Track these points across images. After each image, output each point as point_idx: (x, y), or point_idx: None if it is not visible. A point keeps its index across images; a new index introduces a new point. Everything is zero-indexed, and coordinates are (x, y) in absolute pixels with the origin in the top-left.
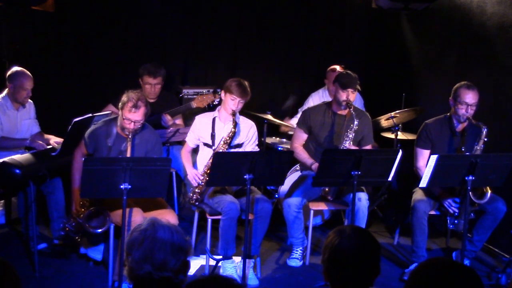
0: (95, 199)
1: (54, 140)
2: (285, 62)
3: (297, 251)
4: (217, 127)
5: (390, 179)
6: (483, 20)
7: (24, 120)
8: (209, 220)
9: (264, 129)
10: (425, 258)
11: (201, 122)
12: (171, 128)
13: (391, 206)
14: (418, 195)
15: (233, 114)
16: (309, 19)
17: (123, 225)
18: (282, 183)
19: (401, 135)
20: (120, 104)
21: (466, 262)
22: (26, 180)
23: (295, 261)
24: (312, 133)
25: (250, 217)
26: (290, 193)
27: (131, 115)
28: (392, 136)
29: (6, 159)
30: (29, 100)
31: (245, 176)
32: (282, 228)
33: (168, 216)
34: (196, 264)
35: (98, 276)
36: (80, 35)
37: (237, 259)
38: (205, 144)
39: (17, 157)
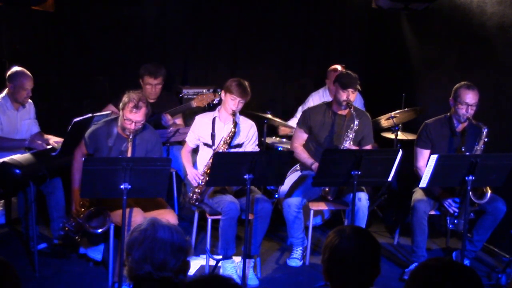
0: (95, 199)
1: (54, 140)
2: (285, 62)
3: (297, 251)
4: (217, 127)
5: (390, 179)
6: (483, 20)
7: (24, 120)
8: (209, 220)
9: (264, 129)
10: (425, 258)
11: (201, 122)
12: (171, 128)
13: (391, 206)
14: (418, 195)
15: (233, 114)
16: (309, 19)
17: (123, 225)
18: (282, 183)
19: (401, 135)
20: (121, 104)
21: (466, 262)
22: (26, 180)
23: (295, 261)
24: (312, 133)
25: (250, 217)
26: (290, 193)
27: (132, 116)
28: (392, 136)
29: (6, 159)
30: (29, 100)
31: (245, 176)
32: (282, 228)
33: (168, 216)
34: (196, 264)
35: (98, 276)
36: (80, 35)
37: (237, 259)
38: (205, 144)
39: (17, 157)
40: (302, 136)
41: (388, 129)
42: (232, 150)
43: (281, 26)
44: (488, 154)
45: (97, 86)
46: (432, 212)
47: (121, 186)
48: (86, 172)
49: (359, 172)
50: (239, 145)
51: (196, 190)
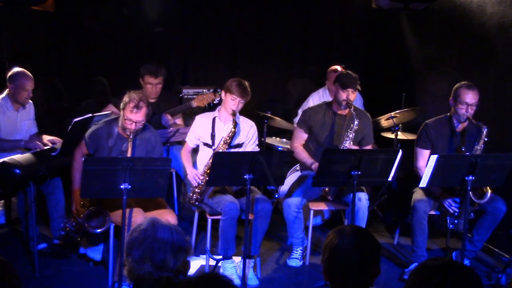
0: (95, 199)
1: (48, 139)
2: (285, 62)
3: (297, 251)
4: (217, 127)
5: (390, 179)
6: (483, 20)
7: (24, 121)
8: (209, 220)
9: (264, 129)
10: (425, 258)
11: (201, 122)
12: (171, 128)
13: (391, 206)
14: (418, 195)
15: (233, 114)
16: (309, 19)
17: (123, 225)
18: (282, 183)
19: (401, 135)
20: (121, 104)
21: (466, 262)
22: (26, 180)
23: (295, 261)
24: (312, 133)
25: (250, 217)
26: (290, 193)
27: (132, 116)
28: (392, 136)
29: (6, 159)
30: (29, 101)
31: (245, 176)
32: (282, 228)
33: (168, 216)
34: (196, 264)
35: (98, 276)
36: (80, 35)
37: (237, 259)
38: (205, 144)
39: (17, 157)
40: (302, 136)
41: (388, 129)
42: (232, 150)
43: (281, 26)
44: (488, 154)
45: (97, 86)
46: (432, 212)
47: (121, 186)
48: (86, 172)
49: (359, 172)
50: (239, 145)
51: (196, 190)
